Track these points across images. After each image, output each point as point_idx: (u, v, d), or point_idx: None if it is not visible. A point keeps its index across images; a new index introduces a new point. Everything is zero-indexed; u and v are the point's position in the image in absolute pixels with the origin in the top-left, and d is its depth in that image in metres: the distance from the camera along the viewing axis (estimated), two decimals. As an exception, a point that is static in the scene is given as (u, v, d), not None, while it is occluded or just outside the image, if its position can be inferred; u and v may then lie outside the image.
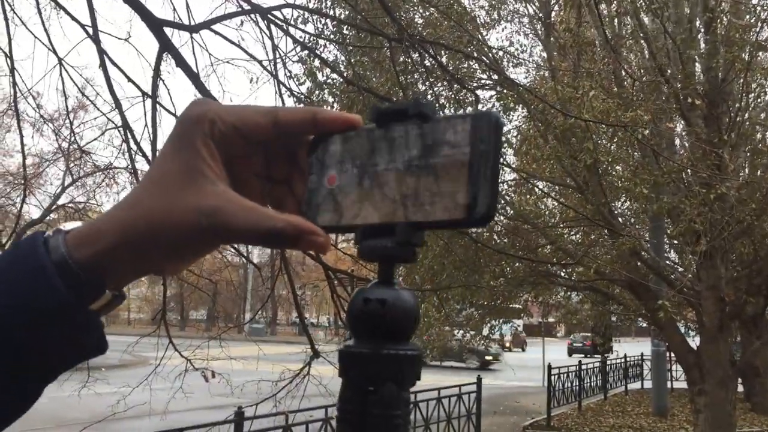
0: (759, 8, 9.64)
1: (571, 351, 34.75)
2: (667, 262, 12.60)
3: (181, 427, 6.12)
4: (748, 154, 10.95)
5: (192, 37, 4.60)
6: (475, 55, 7.99)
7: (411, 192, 0.55)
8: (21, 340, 0.52)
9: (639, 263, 9.60)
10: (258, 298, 53.97)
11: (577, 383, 16.27)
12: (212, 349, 6.15)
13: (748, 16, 9.69)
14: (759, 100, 11.09)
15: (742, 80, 9.68)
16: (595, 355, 22.15)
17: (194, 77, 4.12)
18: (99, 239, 0.54)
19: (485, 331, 13.09)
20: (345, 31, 8.69)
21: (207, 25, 4.10)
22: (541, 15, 10.70)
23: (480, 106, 8.85)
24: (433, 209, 0.53)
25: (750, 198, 9.25)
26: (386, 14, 4.56)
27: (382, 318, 0.54)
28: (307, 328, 5.81)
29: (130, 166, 4.80)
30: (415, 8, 8.76)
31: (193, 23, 4.34)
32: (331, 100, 8.93)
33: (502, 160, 0.52)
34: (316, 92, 8.63)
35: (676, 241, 12.42)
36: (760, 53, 9.83)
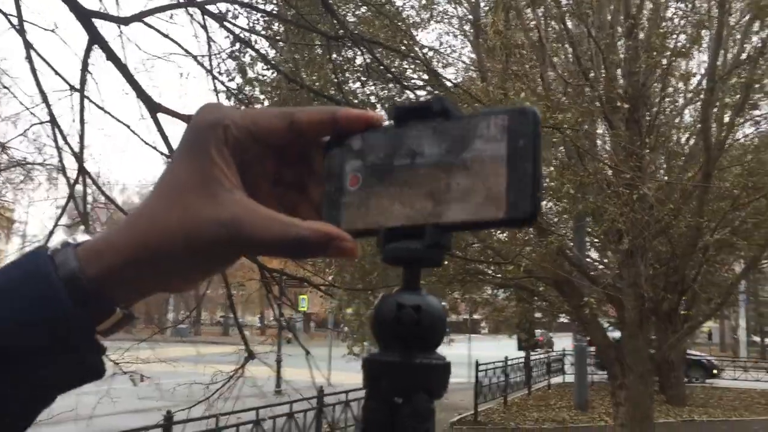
0: (676, 17, 10.07)
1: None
2: (589, 260, 13.01)
3: (107, 433, 5.93)
4: (665, 156, 11.42)
5: (121, 30, 4.43)
6: (405, 55, 8.02)
7: (441, 192, 0.52)
8: (26, 363, 0.47)
9: (565, 261, 9.85)
10: (181, 297, 52.88)
11: (503, 379, 16.60)
12: (137, 350, 5.94)
13: (665, 24, 10.11)
14: (676, 104, 11.57)
15: (661, 85, 10.10)
16: (537, 350, 22.66)
17: (125, 71, 3.97)
18: (112, 254, 0.50)
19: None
20: (275, 27, 8.60)
21: (139, 17, 3.96)
22: (470, 17, 10.85)
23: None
24: (467, 209, 0.51)
25: (668, 198, 9.65)
26: (325, 11, 4.50)
27: (416, 326, 0.52)
28: (242, 328, 5.69)
29: (59, 162, 4.58)
30: (347, 6, 8.73)
31: (123, 15, 4.18)
32: (262, 97, 8.80)
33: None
34: (247, 88, 8.47)
35: (597, 240, 12.85)
36: (678, 59, 10.25)
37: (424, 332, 0.52)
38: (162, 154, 4.91)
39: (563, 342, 21.28)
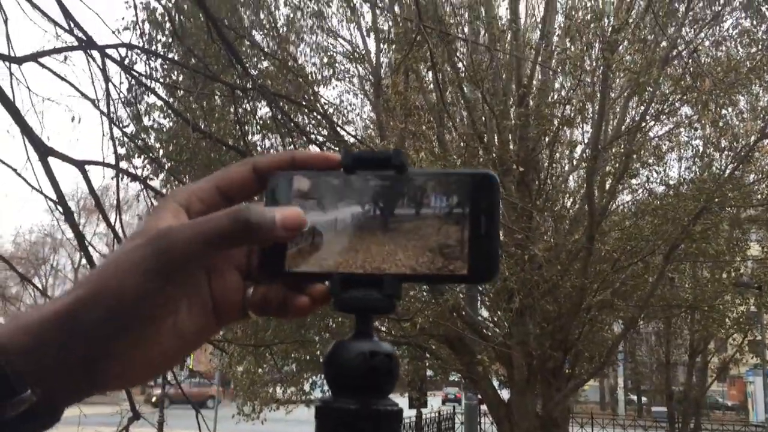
0: (563, 89, 10.70)
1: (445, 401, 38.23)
2: (480, 318, 13.29)
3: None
4: (552, 219, 11.96)
5: (11, 70, 4.22)
6: (311, 109, 8.10)
7: (400, 243, 0.53)
8: None
9: (458, 320, 10.02)
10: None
11: (394, 438, 16.45)
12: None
13: (554, 93, 10.73)
14: (563, 169, 12.21)
15: (549, 151, 10.63)
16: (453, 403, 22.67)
17: (14, 112, 3.77)
18: (37, 325, 0.44)
19: (306, 387, 12.91)
20: (174, 76, 8.47)
21: (34, 57, 3.79)
22: (371, 77, 11.11)
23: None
24: (427, 263, 0.52)
25: (555, 259, 10.06)
26: (229, 62, 4.48)
27: (389, 373, 0.52)
28: (127, 388, 5.35)
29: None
30: (251, 60, 8.74)
31: (15, 54, 3.99)
32: (157, 145, 8.59)
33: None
34: (142, 135, 8.25)
35: (488, 299, 13.16)
36: (565, 128, 10.86)
37: (393, 379, 0.53)
38: (49, 199, 4.66)
39: (437, 402, 21.46)
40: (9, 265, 6.25)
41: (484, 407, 14.44)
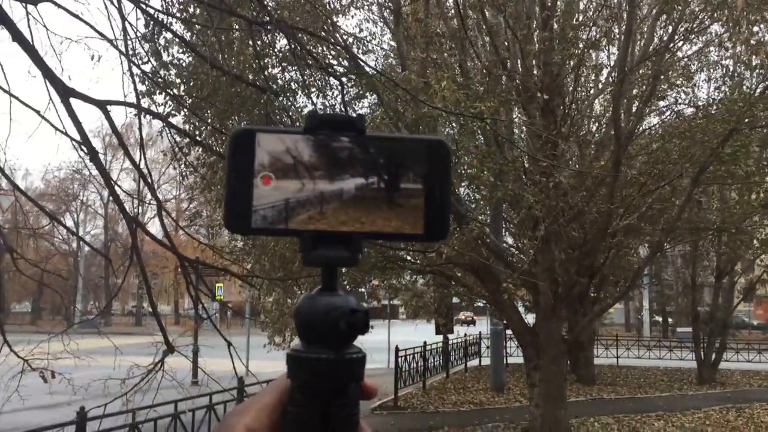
0: (589, 10, 10.37)
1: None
2: (505, 245, 13.33)
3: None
4: (577, 144, 11.79)
5: (27, 11, 4.19)
6: (330, 41, 7.95)
7: (365, 204, 0.57)
8: None
9: (483, 248, 10.04)
10: (90, 287, 50.89)
11: (422, 363, 16.83)
12: (44, 342, 5.66)
13: (579, 15, 10.40)
14: (588, 94, 11.96)
15: (574, 76, 10.39)
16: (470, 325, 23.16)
17: (33, 53, 3.75)
18: None
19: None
20: (191, 10, 8.33)
21: (49, -4, 3.74)
22: (390, 4, 10.84)
23: (337, 93, 8.85)
24: (389, 222, 0.57)
25: (581, 185, 9.97)
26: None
27: (364, 327, 0.56)
28: (160, 320, 5.51)
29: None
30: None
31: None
32: (178, 81, 8.52)
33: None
34: (162, 72, 8.19)
35: (513, 227, 13.17)
36: (591, 51, 10.58)
37: (363, 331, 0.57)
38: (73, 140, 4.69)
39: (479, 326, 21.77)
40: (37, 206, 6.35)
41: (509, 331, 14.65)
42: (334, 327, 0.55)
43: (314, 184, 0.56)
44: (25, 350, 5.53)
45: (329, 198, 0.56)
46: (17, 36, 3.72)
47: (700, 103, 12.23)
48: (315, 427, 0.55)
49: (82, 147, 4.60)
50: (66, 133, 4.45)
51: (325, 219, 0.56)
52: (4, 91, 4.07)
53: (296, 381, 0.56)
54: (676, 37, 10.11)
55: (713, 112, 10.98)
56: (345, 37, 9.39)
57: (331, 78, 7.22)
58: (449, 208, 0.58)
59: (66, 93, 4.16)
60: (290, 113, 7.79)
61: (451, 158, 0.59)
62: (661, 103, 12.17)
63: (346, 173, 0.57)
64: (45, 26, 5.03)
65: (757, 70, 11.09)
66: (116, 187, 5.87)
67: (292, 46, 4.61)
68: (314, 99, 9.70)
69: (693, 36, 10.39)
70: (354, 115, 0.58)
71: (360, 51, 11.28)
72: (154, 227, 33.29)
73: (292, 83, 9.30)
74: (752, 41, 8.98)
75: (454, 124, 9.24)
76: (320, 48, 9.00)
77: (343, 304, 0.56)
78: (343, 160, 0.57)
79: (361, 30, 12.01)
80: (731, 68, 11.74)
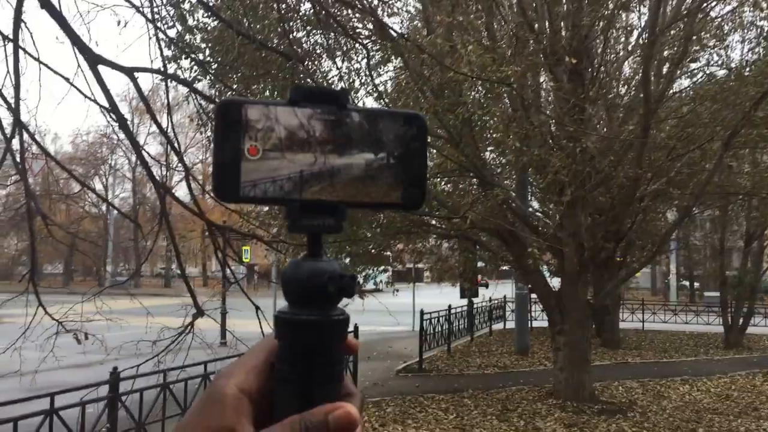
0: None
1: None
2: (531, 210, 13.27)
3: (52, 391, 5.82)
4: (605, 108, 11.62)
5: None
6: (354, 2, 7.86)
7: (349, 174, 0.60)
8: None
9: (508, 213, 10.02)
10: (120, 249, 51.72)
11: (447, 327, 16.94)
12: (77, 304, 5.80)
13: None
14: (618, 56, 11.73)
15: (603, 38, 10.20)
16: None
17: (61, 20, 3.78)
18: None
19: (360, 279, 13.26)
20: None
21: (75, -37, 3.75)
22: (416, -35, 10.67)
23: (362, 57, 8.77)
24: (370, 192, 0.60)
25: (608, 150, 9.86)
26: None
27: (352, 291, 0.59)
28: (189, 284, 5.61)
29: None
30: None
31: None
32: (203, 45, 8.53)
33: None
34: (188, 37, 8.19)
35: (539, 192, 13.08)
36: (620, 12, 10.35)
37: (348, 295, 0.60)
38: (101, 107, 4.74)
39: (505, 289, 21.77)
40: (67, 171, 6.46)
41: (534, 295, 14.66)
42: (319, 290, 0.58)
43: (300, 155, 0.59)
44: (58, 312, 5.68)
45: (315, 168, 0.59)
46: (46, 3, 3.75)
47: (733, 65, 11.95)
48: (302, 382, 0.58)
49: (111, 114, 4.65)
50: (95, 100, 4.50)
51: (311, 188, 0.59)
52: (34, 58, 4.11)
53: (283, 341, 0.59)
54: (710, -4, 9.84)
55: (746, 74, 10.71)
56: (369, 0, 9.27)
57: (356, 44, 7.16)
58: (425, 179, 0.62)
59: (94, 60, 4.19)
60: (316, 78, 7.77)
61: (426, 131, 0.63)
62: (693, 66, 11.89)
63: (329, 144, 0.60)
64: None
65: (793, 31, 10.80)
66: (144, 153, 5.94)
67: (316, 9, 4.58)
68: (339, 63, 9.66)
69: (727, -5, 10.11)
70: (338, 89, 0.61)
71: (385, 14, 11.16)
72: (182, 191, 33.61)
73: (317, 47, 9.26)
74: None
75: (480, 89, 9.13)
76: (345, 12, 8.91)
77: (329, 269, 0.59)
78: (326, 132, 0.60)
79: (386, -9, 11.84)
80: (766, 29, 11.41)
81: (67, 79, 4.29)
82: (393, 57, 10.06)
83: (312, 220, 0.60)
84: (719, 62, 12.10)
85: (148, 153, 5.75)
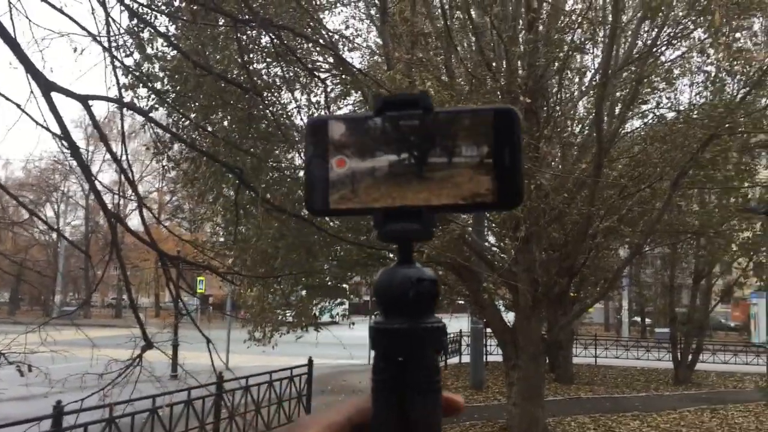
0: (574, 14, 10.42)
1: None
2: (487, 245, 13.39)
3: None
4: (560, 146, 11.87)
5: (10, 3, 4.15)
6: (315, 37, 7.93)
7: (433, 179, 0.59)
8: None
9: (464, 248, 10.09)
10: (69, 278, 50.36)
11: (402, 360, 16.84)
12: (21, 335, 5.60)
13: (564, 19, 10.45)
14: (572, 96, 12.03)
15: (558, 78, 10.45)
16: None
17: (15, 47, 3.72)
18: None
19: (316, 311, 13.16)
20: (176, 3, 8.28)
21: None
22: (376, 1, 10.83)
23: (321, 91, 8.81)
24: (460, 193, 0.59)
25: (562, 187, 10.04)
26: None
27: (433, 296, 0.59)
28: (139, 316, 5.49)
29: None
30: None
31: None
32: (161, 74, 8.47)
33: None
34: (146, 65, 8.14)
35: (495, 227, 13.23)
36: (575, 54, 10.64)
37: (436, 300, 0.59)
38: (54, 134, 4.65)
39: (460, 323, 21.81)
40: (15, 199, 6.30)
41: (489, 330, 14.71)
42: (405, 297, 0.58)
43: (384, 163, 0.60)
44: (1, 343, 5.49)
45: (398, 176, 0.59)
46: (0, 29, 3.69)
47: (681, 108, 12.37)
48: (396, 389, 0.57)
49: (63, 141, 4.57)
50: (47, 128, 4.42)
51: (396, 195, 0.59)
52: (-15, 84, 4.04)
53: (377, 351, 0.59)
54: (659, 41, 10.20)
55: (694, 117, 11.10)
56: (331, 34, 9.36)
57: (315, 79, 7.21)
58: (522, 175, 0.59)
59: (47, 87, 4.13)
60: (274, 110, 7.77)
61: (519, 125, 0.60)
62: (644, 107, 12.27)
63: (414, 150, 0.60)
64: (27, 17, 4.98)
65: (737, 77, 11.22)
66: (97, 182, 5.84)
67: (276, 43, 4.61)
68: (298, 96, 9.69)
69: (676, 41, 10.49)
70: (418, 94, 0.61)
71: (346, 48, 11.27)
72: (136, 219, 33.02)
73: (276, 79, 9.28)
74: (733, 47, 9.09)
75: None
76: (305, 45, 8.98)
77: (415, 275, 0.58)
78: (410, 138, 0.60)
79: (347, 27, 11.99)
80: (713, 74, 11.86)
81: (18, 106, 4.22)
82: (353, 91, 10.15)
83: (397, 226, 0.59)
84: (668, 104, 12.51)
85: (100, 182, 5.65)
